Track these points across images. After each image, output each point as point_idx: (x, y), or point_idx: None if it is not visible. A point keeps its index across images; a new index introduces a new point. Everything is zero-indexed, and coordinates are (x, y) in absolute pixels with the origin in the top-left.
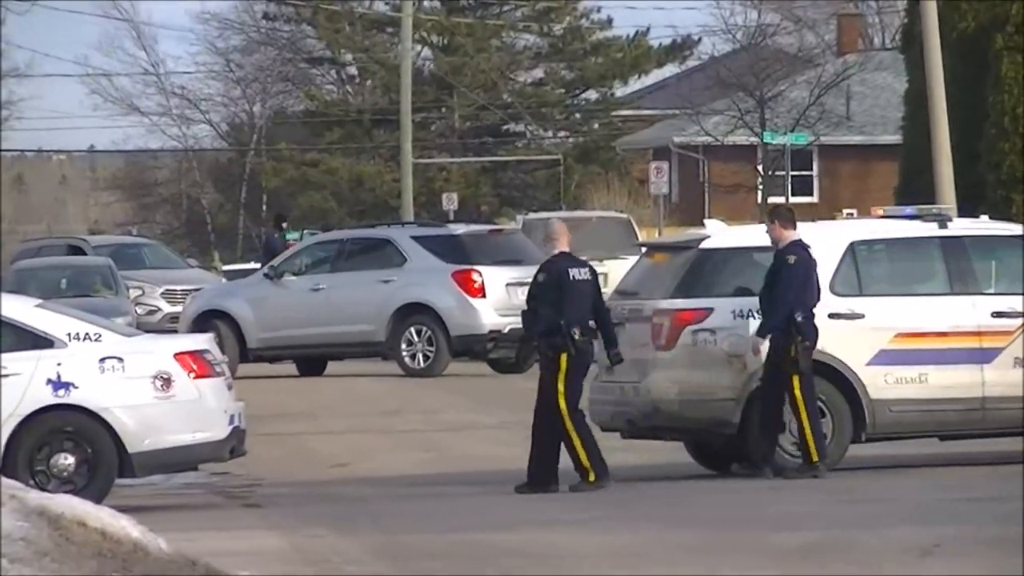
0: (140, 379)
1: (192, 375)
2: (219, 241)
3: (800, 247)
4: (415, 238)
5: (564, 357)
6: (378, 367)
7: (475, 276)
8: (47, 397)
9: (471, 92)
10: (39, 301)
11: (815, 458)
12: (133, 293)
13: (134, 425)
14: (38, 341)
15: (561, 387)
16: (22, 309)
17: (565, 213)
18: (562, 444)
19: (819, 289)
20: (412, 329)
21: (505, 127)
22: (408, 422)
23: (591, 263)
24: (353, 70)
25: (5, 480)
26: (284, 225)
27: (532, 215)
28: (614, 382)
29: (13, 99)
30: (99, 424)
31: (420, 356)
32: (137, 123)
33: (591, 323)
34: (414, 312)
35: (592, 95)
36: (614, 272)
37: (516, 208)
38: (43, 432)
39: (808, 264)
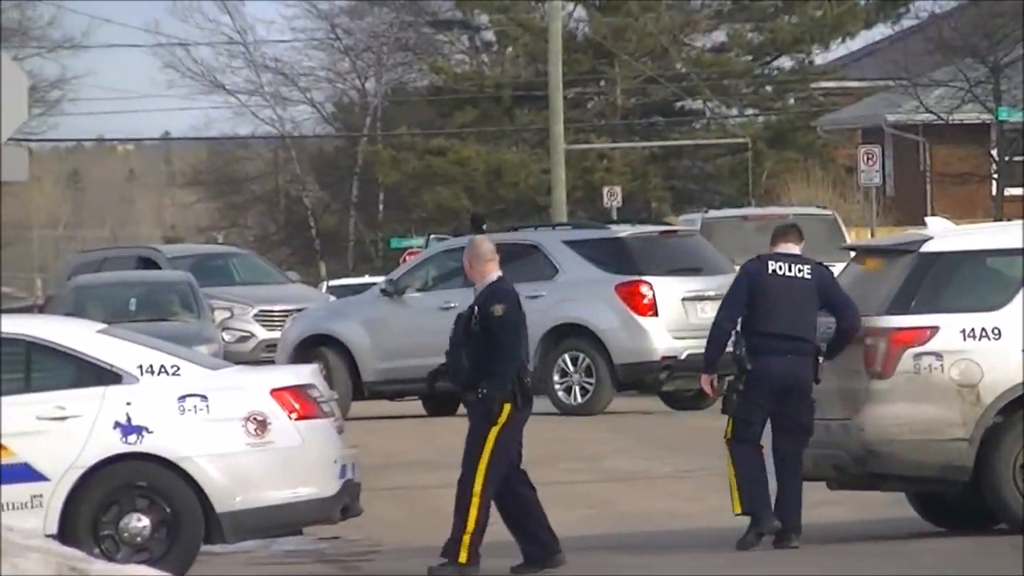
0: (229, 422)
1: (293, 416)
2: (326, 250)
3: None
4: (569, 243)
5: (507, 408)
6: None
7: (644, 289)
8: (115, 444)
9: (636, 61)
10: (103, 326)
11: None
12: (219, 315)
13: (222, 478)
14: (103, 375)
15: (491, 445)
16: (82, 336)
17: (754, 209)
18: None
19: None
20: (567, 356)
21: (679, 104)
22: (563, 472)
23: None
24: (490, 35)
25: (63, 548)
26: (484, 228)
27: (714, 212)
28: (818, 419)
29: (67, 76)
30: (179, 477)
31: (577, 389)
32: (221, 104)
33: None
34: (569, 335)
35: (786, 63)
36: None
37: (694, 203)
38: (111, 487)
39: None
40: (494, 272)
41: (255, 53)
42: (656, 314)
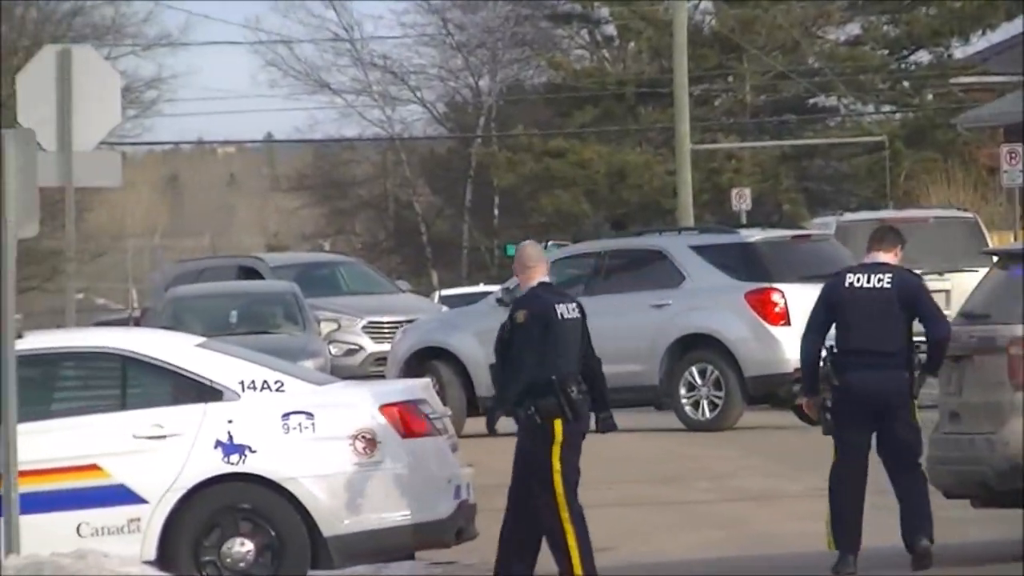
0: (336, 440)
1: (405, 434)
2: (437, 257)
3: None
4: (696, 248)
5: (559, 424)
6: (650, 419)
7: (776, 297)
8: (216, 465)
9: (766, 56)
10: (202, 340)
11: None
12: (325, 328)
13: (329, 500)
14: (203, 392)
15: (557, 464)
16: (181, 350)
17: (892, 212)
18: (545, 540)
19: None
20: (694, 369)
21: (811, 100)
22: (690, 491)
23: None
24: (611, 29)
25: (162, 574)
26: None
27: (849, 215)
28: (961, 434)
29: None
30: (284, 499)
31: (705, 404)
32: (327, 104)
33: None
34: (696, 346)
35: (924, 57)
36: (958, 288)
37: (828, 206)
38: (212, 510)
39: None
40: (537, 278)
41: (362, 50)
42: (789, 323)
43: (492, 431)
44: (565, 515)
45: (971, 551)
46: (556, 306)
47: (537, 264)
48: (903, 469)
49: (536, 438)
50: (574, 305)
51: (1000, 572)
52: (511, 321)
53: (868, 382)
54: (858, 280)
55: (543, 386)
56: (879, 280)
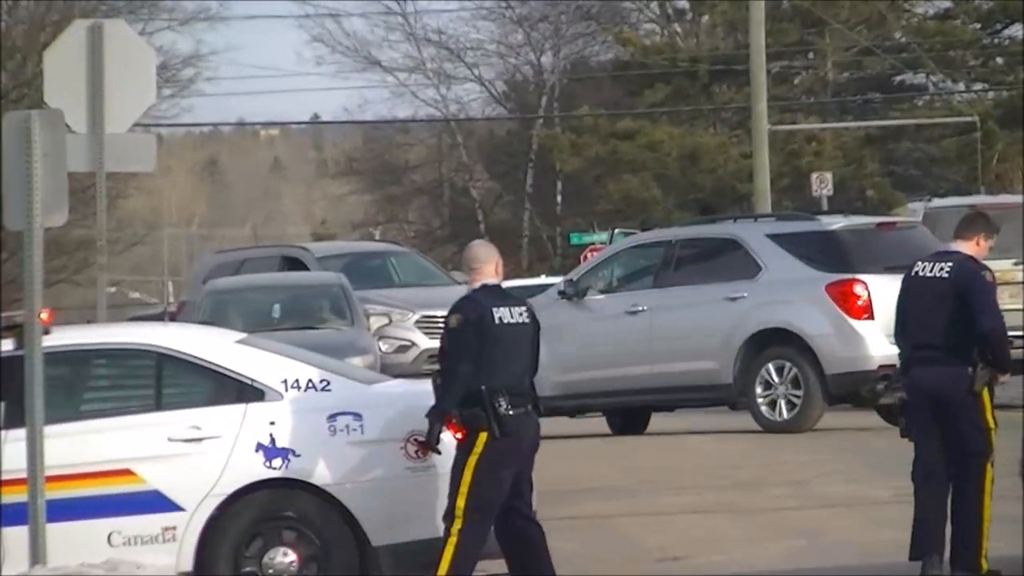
0: (386, 443)
1: (459, 436)
2: (497, 247)
3: None
4: (773, 237)
5: (482, 437)
6: (724, 420)
7: (859, 289)
8: (257, 469)
9: (850, 30)
10: (243, 335)
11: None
12: (375, 322)
13: (379, 508)
14: (243, 391)
15: (468, 475)
16: (220, 347)
17: (983, 198)
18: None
19: None
20: (771, 366)
21: (898, 78)
22: (768, 497)
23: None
24: (683, 3)
25: None
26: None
27: (939, 201)
28: None
29: (202, 52)
30: (330, 507)
31: (782, 403)
32: (378, 83)
33: (530, 386)
34: (773, 341)
35: (1019, 32)
36: None
37: (916, 191)
38: (253, 518)
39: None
40: (481, 279)
41: (416, 24)
42: (872, 317)
43: (433, 449)
44: (457, 526)
45: None
46: (493, 310)
47: (482, 265)
48: (959, 474)
49: (461, 447)
50: (522, 310)
51: None
52: (445, 326)
53: (923, 378)
54: (924, 269)
55: (472, 396)
56: (940, 269)
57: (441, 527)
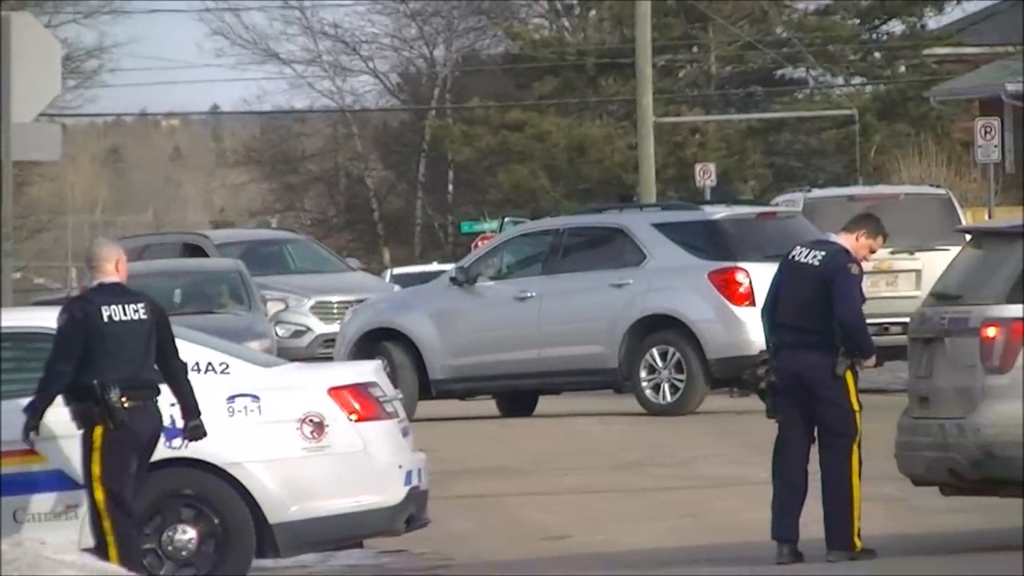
0: (283, 424)
1: (354, 418)
2: (390, 235)
3: None
4: (658, 226)
5: (98, 431)
6: (609, 403)
7: (740, 276)
8: (158, 449)
9: (732, 25)
10: None
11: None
12: (272, 308)
13: (276, 486)
14: None
15: (96, 470)
16: None
17: (862, 189)
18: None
19: None
20: (655, 351)
21: (779, 72)
22: (651, 478)
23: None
24: None
25: (100, 563)
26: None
27: (817, 192)
28: (930, 419)
29: (105, 44)
30: (229, 485)
31: (666, 387)
32: (276, 75)
33: (151, 379)
34: (657, 327)
35: (896, 28)
36: (929, 267)
37: (795, 182)
38: (154, 496)
39: None
40: (99, 278)
41: (312, 18)
42: (754, 304)
43: (26, 440)
44: (107, 524)
45: (936, 541)
46: (103, 308)
47: (102, 263)
48: (826, 456)
49: (82, 445)
50: (138, 307)
51: (967, 563)
52: (57, 325)
53: (790, 362)
54: (800, 254)
55: (84, 391)
56: (814, 256)
57: (337, 504)
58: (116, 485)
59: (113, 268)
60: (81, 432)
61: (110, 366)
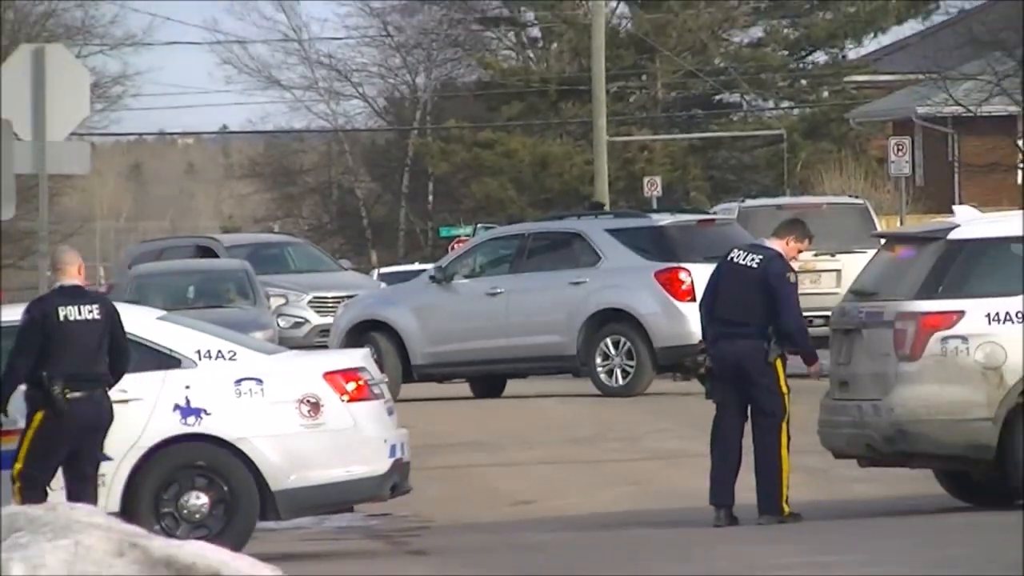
0: (283, 404)
1: (345, 398)
2: (377, 238)
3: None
4: (611, 231)
5: (38, 416)
6: (568, 386)
7: (683, 276)
8: (174, 426)
9: (677, 56)
10: (163, 313)
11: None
12: (274, 302)
13: (277, 458)
14: (162, 360)
15: (23, 451)
16: (143, 322)
17: (789, 199)
18: None
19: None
20: (608, 340)
21: (718, 97)
22: (605, 451)
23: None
24: (536, 32)
25: (125, 524)
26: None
27: (751, 202)
28: (849, 400)
29: (128, 72)
30: (236, 457)
31: (618, 372)
32: (277, 99)
33: (98, 372)
34: (611, 319)
35: (820, 58)
36: (848, 268)
37: (731, 193)
38: (170, 467)
39: None
40: (61, 280)
41: (310, 50)
42: (695, 299)
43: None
44: (17, 487)
45: (854, 507)
46: (59, 309)
47: (65, 267)
48: (758, 433)
49: (24, 423)
50: (92, 307)
51: (881, 525)
52: (19, 324)
53: (727, 350)
54: (738, 256)
55: (35, 381)
56: (752, 259)
57: (330, 474)
58: (34, 467)
59: (75, 272)
60: (26, 413)
61: (60, 360)
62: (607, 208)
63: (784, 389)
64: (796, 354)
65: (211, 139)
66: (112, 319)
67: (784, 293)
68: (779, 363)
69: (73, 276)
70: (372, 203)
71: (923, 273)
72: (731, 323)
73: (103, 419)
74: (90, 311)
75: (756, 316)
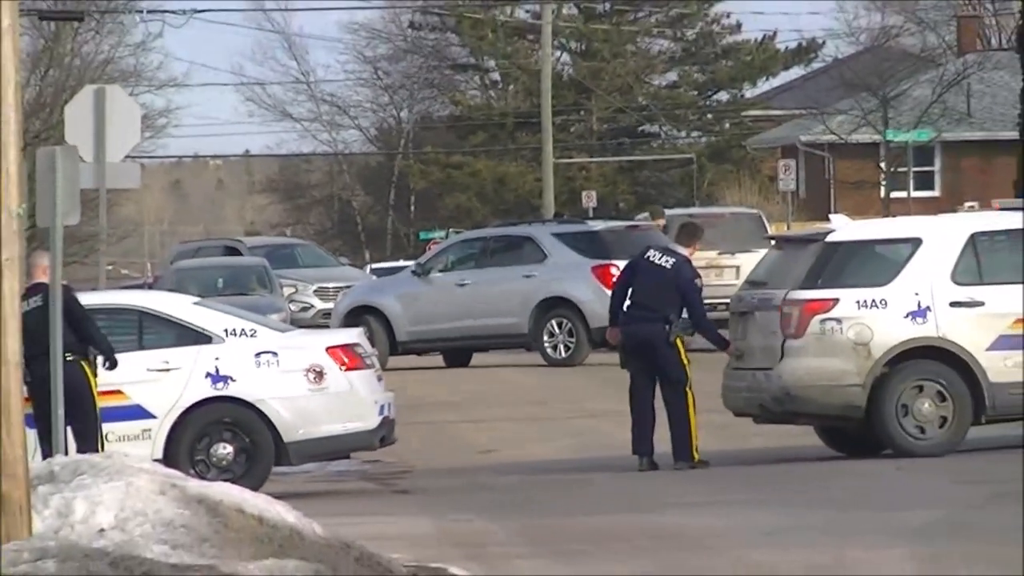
0: (294, 372)
1: (344, 368)
2: (369, 240)
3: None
4: (556, 235)
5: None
6: (521, 358)
7: (614, 270)
8: (206, 390)
9: (608, 95)
10: (197, 299)
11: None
12: (287, 291)
13: (289, 416)
14: (198, 337)
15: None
16: (182, 307)
17: (699, 209)
18: None
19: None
20: (553, 321)
21: (641, 128)
22: (553, 410)
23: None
24: (496, 76)
25: (166, 469)
26: (563, 218)
27: (668, 212)
28: (746, 369)
29: (171, 108)
30: (256, 415)
31: (561, 347)
32: (290, 129)
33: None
34: (555, 305)
35: (723, 96)
36: (745, 264)
37: (653, 203)
38: (203, 423)
39: None
40: (35, 279)
41: (315, 89)
42: None
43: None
44: None
45: (753, 456)
46: (20, 302)
47: (32, 270)
48: (667, 395)
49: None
50: (36, 298)
51: (773, 470)
52: None
53: (637, 330)
54: (653, 256)
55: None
56: (665, 260)
57: (331, 428)
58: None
59: (41, 272)
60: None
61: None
62: (566, 217)
63: (685, 361)
64: (714, 344)
65: (237, 161)
66: (70, 304)
67: (692, 296)
68: (679, 341)
69: (39, 276)
70: (366, 212)
71: (806, 268)
72: (644, 308)
73: (73, 383)
74: (35, 302)
75: (663, 305)
